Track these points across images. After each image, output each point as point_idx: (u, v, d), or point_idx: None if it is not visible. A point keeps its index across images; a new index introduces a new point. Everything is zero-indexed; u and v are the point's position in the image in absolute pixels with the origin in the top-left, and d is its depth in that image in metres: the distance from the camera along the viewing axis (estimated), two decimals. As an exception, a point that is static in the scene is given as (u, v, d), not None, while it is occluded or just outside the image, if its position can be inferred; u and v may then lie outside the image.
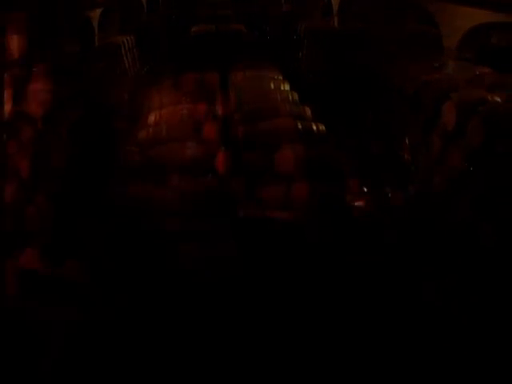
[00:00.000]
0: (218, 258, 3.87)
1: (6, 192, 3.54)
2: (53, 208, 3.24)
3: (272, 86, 6.24)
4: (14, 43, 3.52)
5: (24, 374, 2.51)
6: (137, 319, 3.06)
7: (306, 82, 7.35)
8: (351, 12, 8.01)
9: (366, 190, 11.71)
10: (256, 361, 2.68)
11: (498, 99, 4.46)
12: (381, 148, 13.38)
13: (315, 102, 7.74)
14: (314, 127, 5.61)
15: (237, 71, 6.90)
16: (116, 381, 2.53)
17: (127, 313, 3.08)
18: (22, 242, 3.55)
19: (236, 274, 4.00)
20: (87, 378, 2.48)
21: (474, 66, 5.75)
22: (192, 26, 6.40)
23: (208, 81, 7.16)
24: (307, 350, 2.84)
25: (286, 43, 6.89)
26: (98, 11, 3.84)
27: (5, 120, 3.58)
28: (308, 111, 5.67)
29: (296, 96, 6.31)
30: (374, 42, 8.73)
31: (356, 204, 9.51)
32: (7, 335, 2.93)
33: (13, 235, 3.54)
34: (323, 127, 6.09)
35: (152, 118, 4.06)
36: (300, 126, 5.33)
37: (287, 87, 6.79)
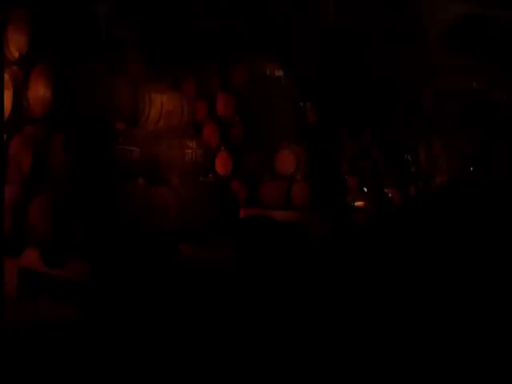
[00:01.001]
0: (218, 259, 3.88)
1: (6, 191, 3.54)
2: (53, 207, 3.24)
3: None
4: (15, 42, 3.51)
5: (23, 375, 2.51)
6: (137, 319, 3.07)
7: (306, 80, 7.38)
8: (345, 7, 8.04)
9: (365, 190, 11.75)
10: (255, 360, 2.69)
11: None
12: (381, 148, 13.45)
13: (316, 101, 7.77)
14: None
15: (238, 70, 6.91)
16: (116, 381, 2.53)
17: (127, 313, 3.08)
18: (23, 242, 3.56)
19: (236, 275, 4.02)
20: (87, 379, 2.48)
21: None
22: (193, 24, 6.42)
23: (208, 81, 7.18)
24: (306, 348, 2.85)
25: (288, 41, 6.91)
26: (103, 8, 3.84)
27: (5, 120, 3.57)
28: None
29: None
30: (366, 37, 8.75)
31: (356, 204, 9.57)
32: (6, 336, 2.93)
33: (13, 235, 3.54)
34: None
35: (153, 118, 4.05)
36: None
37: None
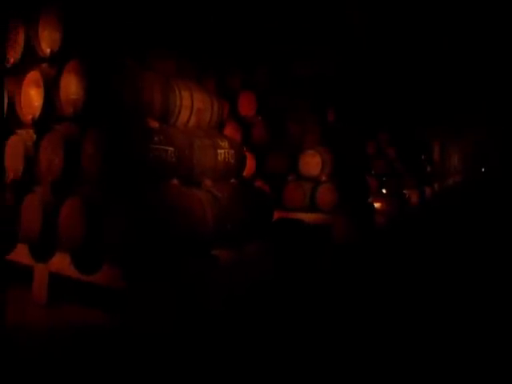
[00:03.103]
0: (255, 266, 3.73)
1: (36, 193, 3.41)
2: (86, 210, 3.10)
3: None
4: (46, 38, 3.38)
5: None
6: (171, 326, 2.93)
7: (328, 79, 7.22)
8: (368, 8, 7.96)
9: (384, 191, 11.52)
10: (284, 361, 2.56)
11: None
12: (397, 148, 13.23)
13: (337, 100, 7.61)
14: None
15: (260, 69, 6.75)
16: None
17: (162, 321, 2.94)
18: (53, 246, 3.43)
19: (268, 279, 3.88)
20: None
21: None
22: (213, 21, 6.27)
23: (229, 79, 7.03)
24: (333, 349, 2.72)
25: (310, 40, 6.74)
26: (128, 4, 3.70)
27: (36, 119, 3.45)
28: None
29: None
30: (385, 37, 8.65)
31: (376, 205, 9.37)
32: (36, 345, 2.81)
33: (43, 238, 3.41)
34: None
35: (183, 117, 3.90)
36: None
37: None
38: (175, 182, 3.36)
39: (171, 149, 3.23)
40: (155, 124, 3.27)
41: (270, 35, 6.34)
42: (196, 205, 3.18)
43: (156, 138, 3.14)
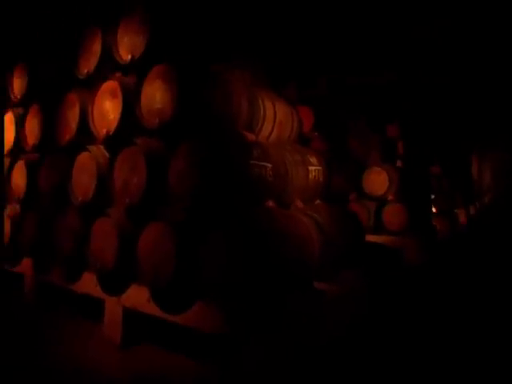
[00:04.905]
0: (350, 294, 3.21)
1: (110, 216, 3.00)
2: (173, 237, 2.65)
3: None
4: (126, 45, 3.03)
5: None
6: (283, 376, 2.42)
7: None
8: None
9: (434, 210, 10.84)
10: None
11: None
12: (443, 167, 12.59)
13: (400, 119, 7.15)
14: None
15: (318, 80, 6.35)
16: None
17: (274, 370, 2.43)
18: (128, 277, 2.99)
19: (363, 310, 3.37)
20: None
21: None
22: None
23: (284, 92, 6.64)
24: None
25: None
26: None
27: (111, 134, 3.07)
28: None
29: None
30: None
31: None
32: None
33: (117, 268, 2.98)
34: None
35: (266, 129, 3.48)
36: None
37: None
38: (271, 203, 2.90)
39: (269, 165, 2.79)
40: (252, 137, 2.84)
41: (331, 43, 5.93)
42: (303, 231, 2.70)
43: (255, 153, 2.70)
